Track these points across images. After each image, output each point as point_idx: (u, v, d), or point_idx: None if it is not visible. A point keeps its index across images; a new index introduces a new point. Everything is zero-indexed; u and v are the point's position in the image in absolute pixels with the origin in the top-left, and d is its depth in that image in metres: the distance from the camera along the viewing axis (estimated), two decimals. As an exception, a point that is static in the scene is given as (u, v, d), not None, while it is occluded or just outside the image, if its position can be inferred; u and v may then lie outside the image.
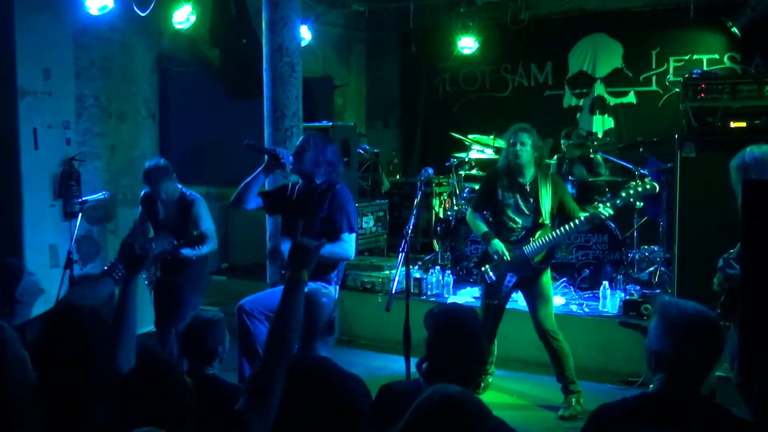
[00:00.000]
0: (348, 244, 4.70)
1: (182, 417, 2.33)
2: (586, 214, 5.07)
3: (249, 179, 4.84)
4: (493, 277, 5.30)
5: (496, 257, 5.22)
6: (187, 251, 5.29)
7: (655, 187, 5.11)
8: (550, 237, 5.12)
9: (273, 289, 4.88)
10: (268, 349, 2.54)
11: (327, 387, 3.02)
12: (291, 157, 4.75)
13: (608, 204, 5.07)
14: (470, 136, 8.29)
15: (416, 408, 1.98)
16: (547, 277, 5.33)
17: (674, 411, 2.39)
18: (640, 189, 5.05)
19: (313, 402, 2.94)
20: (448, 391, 1.99)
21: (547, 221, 5.18)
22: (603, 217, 5.03)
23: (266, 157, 4.86)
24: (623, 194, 5.07)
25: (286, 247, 4.71)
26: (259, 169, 4.85)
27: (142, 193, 5.77)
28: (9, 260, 3.87)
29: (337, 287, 4.90)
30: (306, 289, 3.32)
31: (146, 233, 5.73)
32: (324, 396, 2.97)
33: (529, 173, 5.23)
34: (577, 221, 5.09)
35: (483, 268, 5.36)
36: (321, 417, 2.93)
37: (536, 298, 5.27)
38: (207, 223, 5.45)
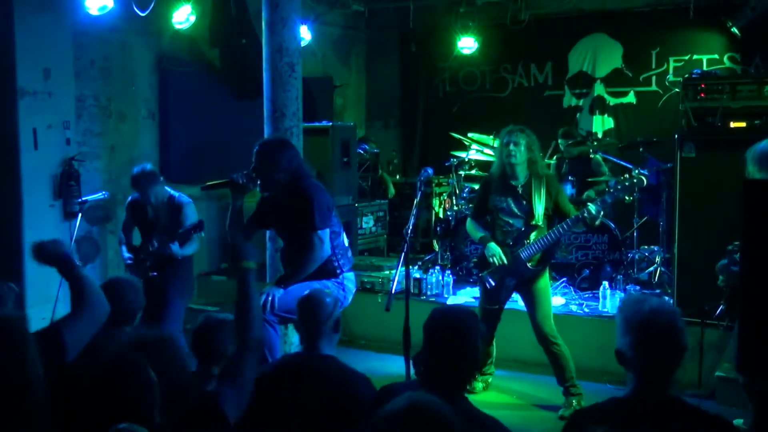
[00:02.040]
0: (318, 245, 4.54)
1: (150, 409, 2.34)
2: (576, 215, 5.06)
3: (229, 215, 4.80)
4: (493, 283, 5.29)
5: (492, 261, 5.22)
6: (175, 248, 5.32)
7: (642, 180, 5.11)
8: (544, 239, 5.11)
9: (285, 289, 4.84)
10: (239, 336, 2.79)
11: (333, 385, 3.03)
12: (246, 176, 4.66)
13: (597, 202, 5.04)
14: (470, 135, 8.29)
15: (383, 412, 1.96)
16: (545, 280, 5.32)
17: (646, 413, 2.36)
18: (627, 183, 5.05)
19: (319, 400, 2.97)
20: (417, 399, 1.95)
21: (540, 223, 5.16)
22: (590, 214, 4.97)
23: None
24: (611, 190, 5.07)
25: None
26: (230, 204, 4.79)
27: (129, 199, 5.81)
28: None
29: (346, 274, 4.76)
30: (308, 290, 3.41)
31: (131, 239, 5.80)
32: (330, 394, 2.99)
33: (523, 175, 5.21)
34: (567, 222, 5.08)
35: (482, 274, 5.35)
36: (327, 415, 2.95)
37: (534, 302, 5.26)
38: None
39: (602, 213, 5.05)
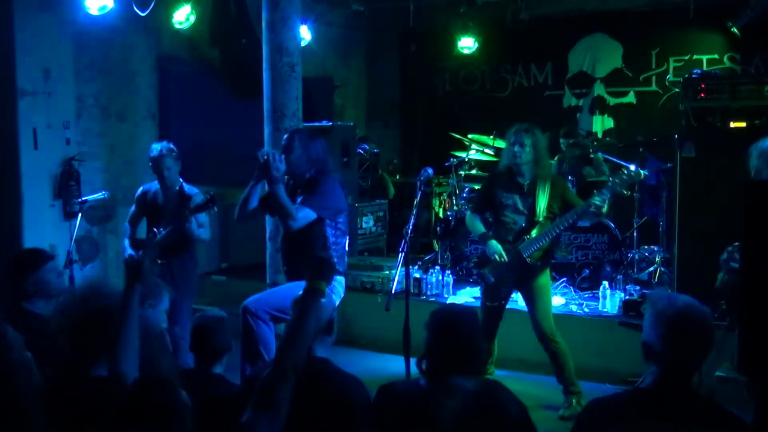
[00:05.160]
0: (298, 213, 4.55)
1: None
2: (582, 205, 5.06)
3: (246, 193, 4.75)
4: (492, 279, 5.30)
5: (494, 258, 5.22)
6: (194, 226, 5.31)
7: (640, 174, 5.14)
8: (546, 234, 5.12)
9: (276, 288, 4.85)
10: (278, 358, 2.51)
11: (326, 388, 2.97)
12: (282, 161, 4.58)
13: (600, 193, 5.04)
14: (470, 136, 8.29)
15: None
16: (545, 278, 5.32)
17: (665, 406, 2.39)
18: (625, 177, 5.06)
19: (312, 403, 2.92)
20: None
21: (542, 220, 5.17)
22: (597, 204, 4.98)
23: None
24: (609, 184, 5.07)
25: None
26: (252, 182, 4.72)
27: (139, 191, 5.81)
28: (28, 250, 4.04)
29: (337, 277, 4.76)
30: (302, 290, 3.33)
31: (135, 232, 5.81)
32: (323, 397, 2.92)
33: (529, 174, 5.22)
34: (569, 214, 5.08)
35: (482, 271, 5.36)
36: (320, 418, 2.90)
37: (534, 299, 5.26)
38: (202, 215, 5.48)
39: (606, 202, 5.05)
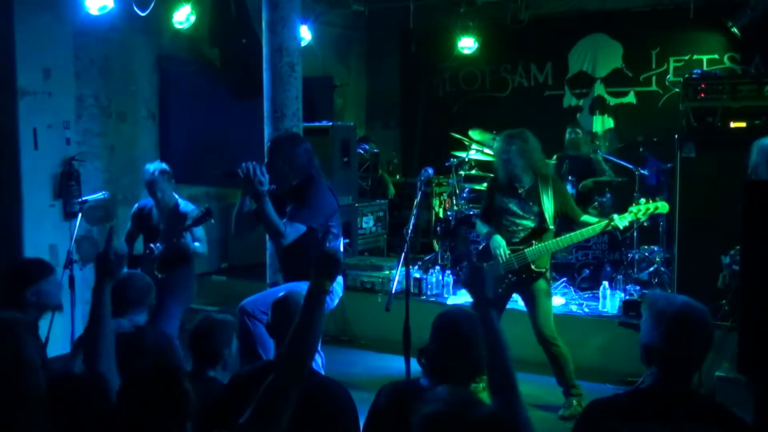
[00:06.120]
0: (287, 230, 4.50)
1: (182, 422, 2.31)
2: (602, 225, 5.05)
3: (237, 208, 4.72)
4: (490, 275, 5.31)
5: (495, 252, 5.22)
6: (188, 240, 5.37)
7: (666, 207, 5.11)
8: (555, 243, 5.12)
9: (274, 288, 4.83)
10: (281, 363, 2.42)
11: (308, 392, 2.92)
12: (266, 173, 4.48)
13: (625, 216, 5.06)
14: (471, 132, 8.28)
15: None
16: (545, 282, 5.32)
17: (667, 406, 2.39)
18: (651, 209, 5.05)
19: (298, 410, 2.87)
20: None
21: (551, 226, 5.18)
22: (620, 228, 5.04)
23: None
24: (633, 210, 5.06)
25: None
26: (240, 196, 4.70)
27: (134, 208, 5.90)
28: (32, 260, 4.00)
29: (337, 280, 4.72)
30: (285, 291, 3.29)
31: (132, 250, 5.86)
32: (304, 401, 2.89)
33: (527, 179, 5.22)
34: (589, 230, 5.08)
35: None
36: (301, 423, 2.86)
37: (535, 303, 5.26)
38: (199, 230, 5.55)
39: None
